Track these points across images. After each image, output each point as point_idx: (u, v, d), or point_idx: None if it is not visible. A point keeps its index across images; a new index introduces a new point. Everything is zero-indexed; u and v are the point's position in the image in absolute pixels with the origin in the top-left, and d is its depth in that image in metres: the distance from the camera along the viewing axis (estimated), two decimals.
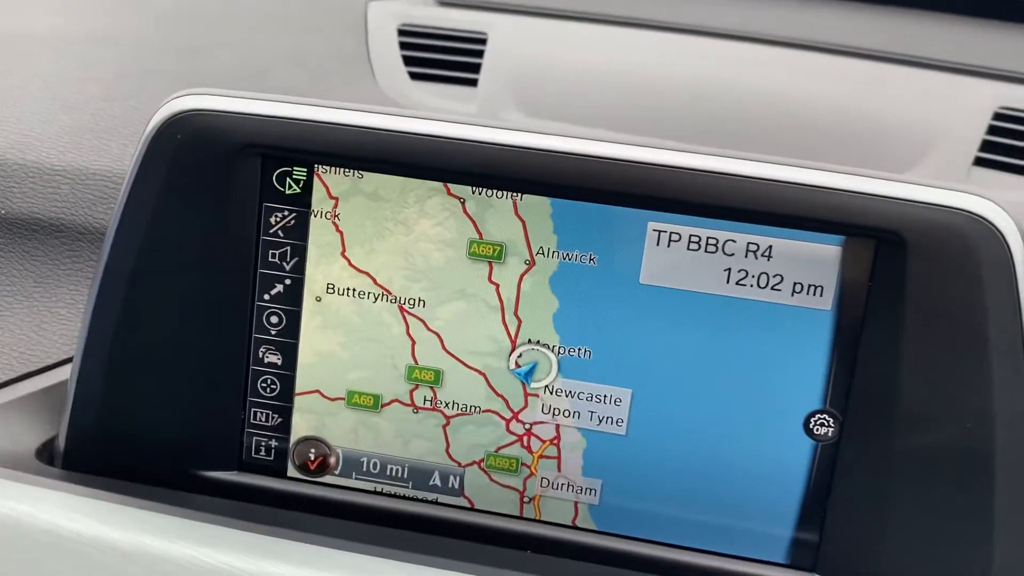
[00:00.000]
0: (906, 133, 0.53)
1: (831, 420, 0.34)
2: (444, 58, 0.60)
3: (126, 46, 0.59)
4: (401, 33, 0.63)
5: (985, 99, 0.56)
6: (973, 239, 0.32)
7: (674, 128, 0.54)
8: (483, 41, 0.62)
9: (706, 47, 0.62)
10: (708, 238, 0.34)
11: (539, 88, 0.58)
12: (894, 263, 0.32)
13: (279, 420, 0.37)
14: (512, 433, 0.36)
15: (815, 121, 0.54)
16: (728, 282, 0.34)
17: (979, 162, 0.51)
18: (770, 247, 0.33)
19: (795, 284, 0.33)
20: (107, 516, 0.34)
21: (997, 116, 0.55)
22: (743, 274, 0.34)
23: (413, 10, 0.67)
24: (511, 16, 0.66)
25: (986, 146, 0.52)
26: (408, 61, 0.61)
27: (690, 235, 0.34)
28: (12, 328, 0.43)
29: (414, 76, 0.59)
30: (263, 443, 0.37)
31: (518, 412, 0.36)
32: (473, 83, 0.58)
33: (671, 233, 0.34)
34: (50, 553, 0.33)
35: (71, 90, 0.53)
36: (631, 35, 0.63)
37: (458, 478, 0.36)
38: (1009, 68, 0.58)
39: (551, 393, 0.35)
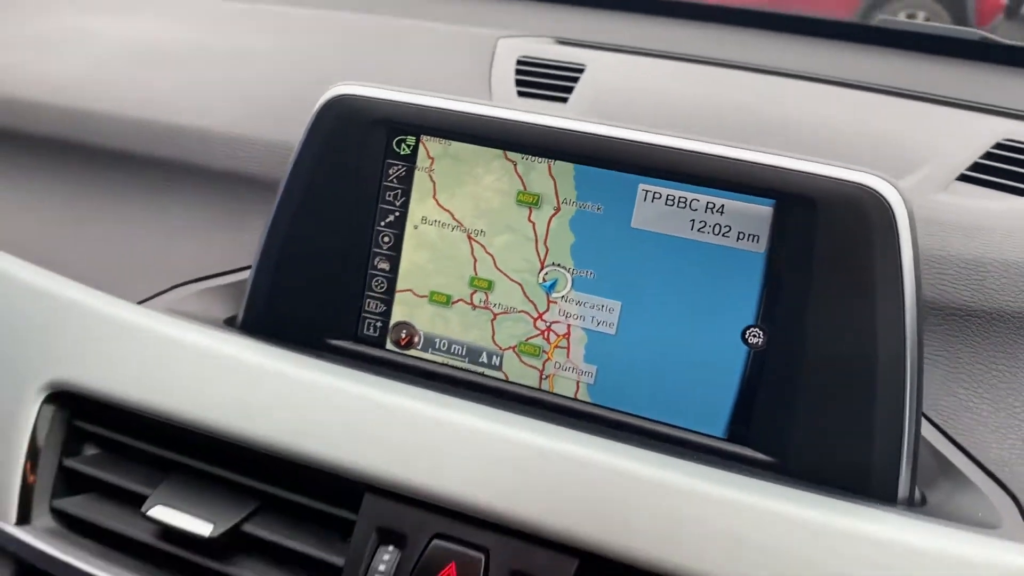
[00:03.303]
0: (905, 152, 0.64)
1: (761, 332, 0.47)
2: (547, 81, 0.77)
3: (278, 59, 0.79)
4: (519, 62, 0.80)
5: (988, 131, 0.66)
6: (866, 205, 0.44)
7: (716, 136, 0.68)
8: (581, 70, 0.78)
9: (746, 79, 0.76)
10: (680, 197, 0.48)
11: (613, 104, 0.74)
12: (809, 220, 0.45)
13: (383, 308, 0.54)
14: (537, 328, 0.51)
15: (825, 138, 0.66)
16: (692, 229, 0.48)
17: (963, 178, 0.61)
18: (723, 205, 0.47)
19: (739, 232, 0.47)
20: (268, 353, 0.51)
21: (998, 146, 0.65)
22: (703, 224, 0.48)
23: (533, 45, 0.84)
24: (608, 53, 0.83)
25: (976, 167, 0.62)
26: (519, 83, 0.78)
27: (667, 194, 0.48)
28: (213, 245, 0.62)
29: (521, 94, 0.76)
30: (371, 323, 0.54)
31: (542, 314, 0.51)
32: (564, 100, 0.75)
33: (654, 192, 0.48)
34: (230, 370, 0.51)
35: (239, 85, 0.73)
36: (690, 68, 0.78)
37: (499, 358, 0.52)
38: (1017, 107, 0.68)
39: (565, 301, 0.50)
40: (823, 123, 0.68)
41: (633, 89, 0.75)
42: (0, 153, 0.70)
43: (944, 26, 0.87)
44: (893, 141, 0.65)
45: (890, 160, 0.63)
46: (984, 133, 0.66)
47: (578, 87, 0.76)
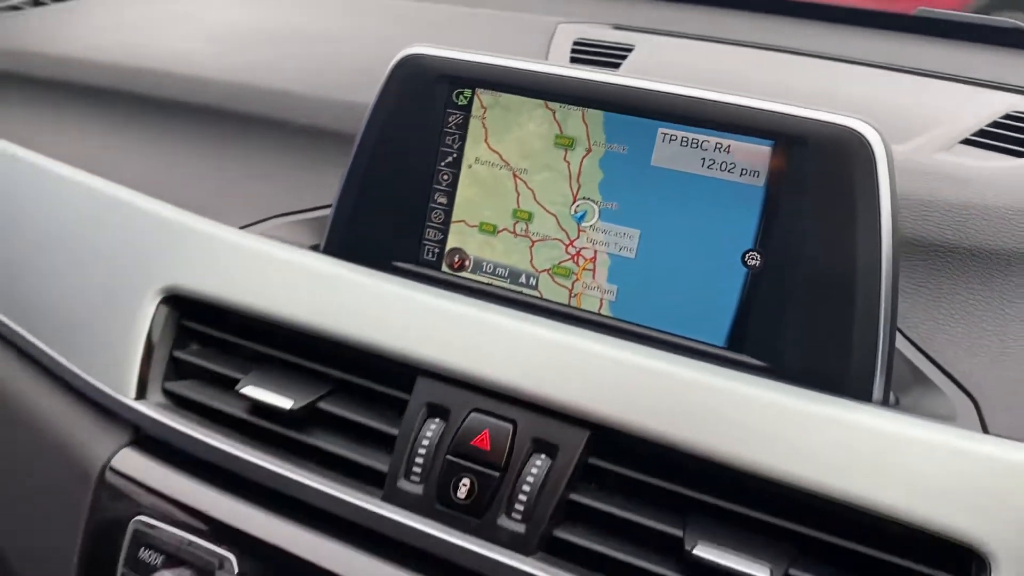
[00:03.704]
0: (919, 119, 0.70)
1: (758, 255, 0.55)
2: (598, 59, 0.86)
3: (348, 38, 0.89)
4: (575, 43, 0.89)
5: (1002, 104, 0.72)
6: (849, 143, 0.52)
7: None
8: (630, 49, 0.87)
9: (781, 58, 0.83)
10: (692, 138, 0.56)
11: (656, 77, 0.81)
12: (801, 157, 0.53)
13: (440, 236, 0.63)
14: (568, 253, 0.60)
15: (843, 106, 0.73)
16: (702, 166, 0.56)
17: (967, 142, 0.67)
18: (729, 145, 0.55)
19: (742, 169, 0.55)
20: (345, 267, 0.61)
21: (1006, 116, 0.71)
22: (712, 161, 0.55)
23: (590, 29, 0.93)
24: (657, 36, 0.91)
25: (981, 133, 0.68)
26: (573, 60, 0.86)
27: (682, 136, 0.56)
28: (301, 187, 0.73)
29: None
30: (430, 249, 0.63)
31: (573, 240, 0.59)
32: None
33: (671, 135, 0.56)
34: (314, 279, 0.61)
35: (320, 58, 0.83)
36: (729, 49, 0.86)
37: (535, 279, 0.61)
38: None
39: (593, 230, 0.59)
40: (847, 96, 0.75)
41: (675, 65, 0.83)
42: (130, 112, 0.82)
43: (980, 16, 0.92)
44: (910, 111, 0.72)
45: (903, 124, 0.69)
46: (996, 105, 0.72)
47: (624, 64, 0.84)
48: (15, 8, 1.03)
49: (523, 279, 0.61)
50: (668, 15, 1.03)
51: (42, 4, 1.05)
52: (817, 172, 0.52)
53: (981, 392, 0.51)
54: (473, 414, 0.53)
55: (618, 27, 0.96)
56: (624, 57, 0.85)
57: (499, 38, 0.92)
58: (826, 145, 0.52)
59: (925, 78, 0.78)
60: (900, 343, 0.56)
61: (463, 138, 0.62)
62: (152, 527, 0.56)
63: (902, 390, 0.53)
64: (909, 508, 0.45)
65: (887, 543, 0.46)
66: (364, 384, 0.57)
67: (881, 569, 0.46)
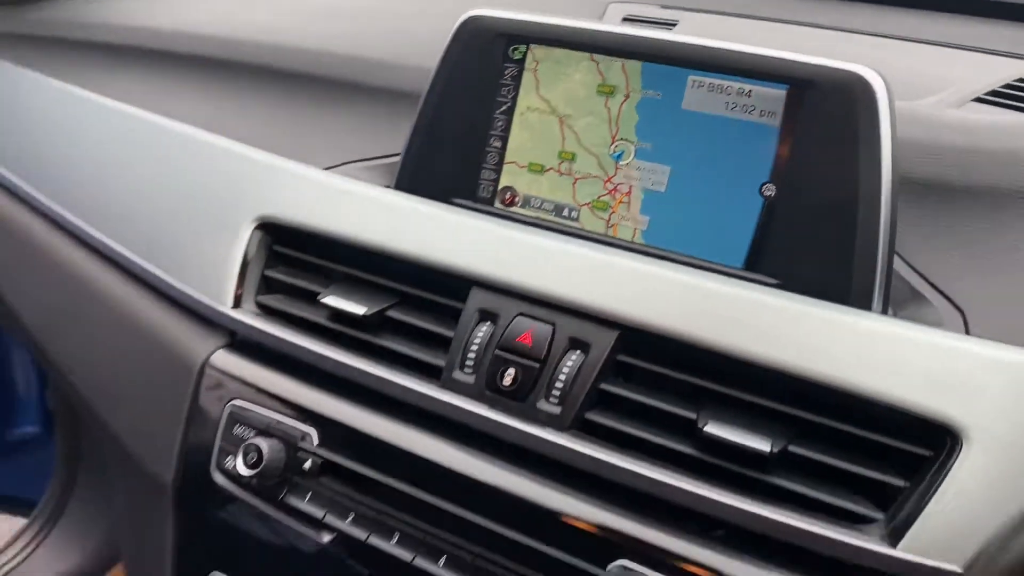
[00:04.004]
0: (935, 81, 0.77)
1: (773, 187, 0.62)
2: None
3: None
4: (623, 19, 0.98)
5: (1011, 69, 0.78)
6: (854, 86, 0.59)
7: None
8: (675, 24, 0.95)
9: (810, 32, 0.90)
10: (718, 84, 0.63)
11: None
12: (812, 99, 0.60)
13: (494, 176, 0.72)
14: (606, 189, 0.68)
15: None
16: (727, 109, 0.63)
17: (979, 100, 0.73)
18: (751, 90, 0.62)
19: (761, 111, 0.62)
20: (412, 200, 0.70)
21: (1020, 79, 0.76)
22: (735, 104, 0.63)
23: (638, 8, 1.01)
24: (701, 13, 0.98)
25: (994, 93, 0.74)
26: None
27: (709, 83, 0.64)
28: (375, 139, 0.82)
29: None
30: (485, 187, 0.72)
31: (611, 177, 0.68)
32: None
33: (700, 82, 0.64)
34: (386, 208, 0.70)
35: (390, 31, 0.93)
36: (764, 24, 0.93)
37: (576, 212, 0.69)
38: None
39: (629, 168, 0.67)
40: (868, 61, 0.81)
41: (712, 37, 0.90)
42: (222, 77, 0.93)
43: None
44: (926, 74, 0.78)
45: (918, 85, 0.76)
46: (1009, 70, 0.78)
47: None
48: None
49: (566, 212, 0.69)
50: None
51: None
52: (826, 112, 0.60)
53: (968, 306, 0.58)
54: (518, 317, 0.61)
55: (665, 6, 1.04)
56: (668, 29, 0.93)
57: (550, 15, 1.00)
58: (834, 88, 0.59)
59: (941, 47, 0.84)
60: (901, 267, 0.62)
61: (517, 88, 0.71)
62: (245, 409, 0.66)
63: (899, 306, 0.60)
64: (893, 392, 0.52)
65: (875, 426, 0.53)
66: (426, 296, 0.66)
67: (869, 447, 0.53)
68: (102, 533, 1.59)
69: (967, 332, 0.56)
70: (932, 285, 0.60)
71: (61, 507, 1.60)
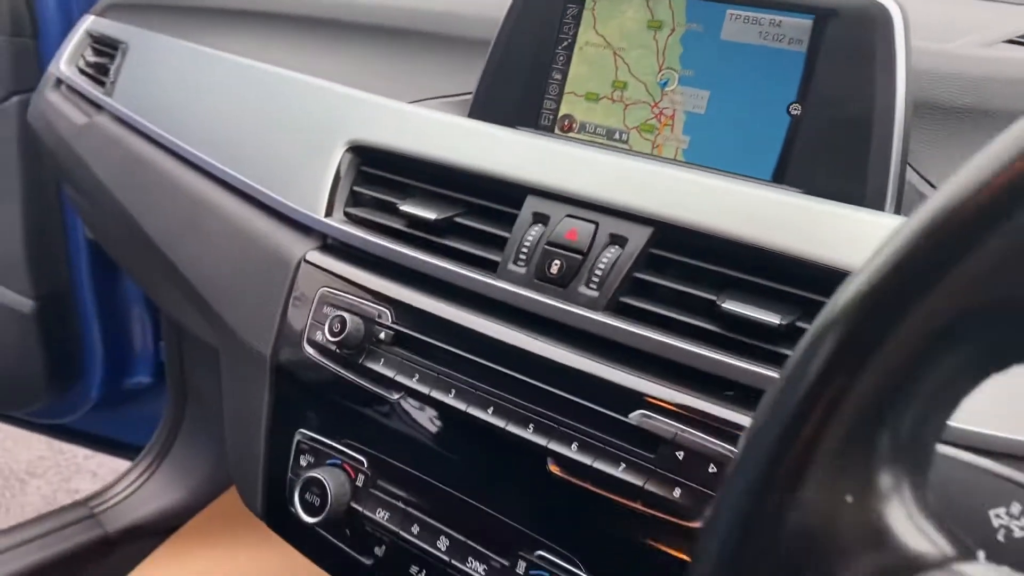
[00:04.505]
0: (967, 22, 0.82)
1: (800, 106, 0.69)
2: None
3: None
4: None
5: None
6: (873, 12, 0.65)
7: None
8: None
9: None
10: (753, 16, 0.71)
11: None
12: (835, 27, 0.67)
13: (554, 105, 0.81)
14: (653, 113, 0.76)
15: None
16: (760, 38, 0.71)
17: (1009, 41, 0.78)
18: (781, 21, 0.70)
19: (789, 39, 0.69)
20: (483, 124, 0.80)
21: None
22: (768, 34, 0.70)
23: None
24: None
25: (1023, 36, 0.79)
26: None
27: (744, 15, 0.71)
28: (454, 80, 0.92)
29: None
30: (546, 115, 0.81)
31: (657, 102, 0.76)
32: None
33: (736, 15, 0.72)
34: (461, 132, 0.80)
35: None
36: None
37: (626, 134, 0.77)
38: None
39: (673, 93, 0.75)
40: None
41: None
42: (326, 33, 1.05)
43: None
44: (964, 19, 0.83)
45: (951, 29, 0.81)
46: None
47: None
48: None
49: (617, 135, 0.78)
50: None
51: None
52: (847, 37, 0.66)
53: None
54: (566, 218, 0.70)
55: None
56: None
57: None
58: (854, 16, 0.66)
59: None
60: (918, 182, 0.68)
61: (576, 26, 0.80)
62: (333, 293, 0.77)
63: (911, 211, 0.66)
64: None
65: None
66: (488, 204, 0.76)
67: None
68: (203, 472, 1.75)
69: None
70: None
71: (167, 448, 1.76)
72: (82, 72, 1.22)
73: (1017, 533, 0.40)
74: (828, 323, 0.30)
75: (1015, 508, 0.40)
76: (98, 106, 1.15)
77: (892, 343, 0.29)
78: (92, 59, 1.22)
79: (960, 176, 0.28)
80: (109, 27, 1.22)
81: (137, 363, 1.87)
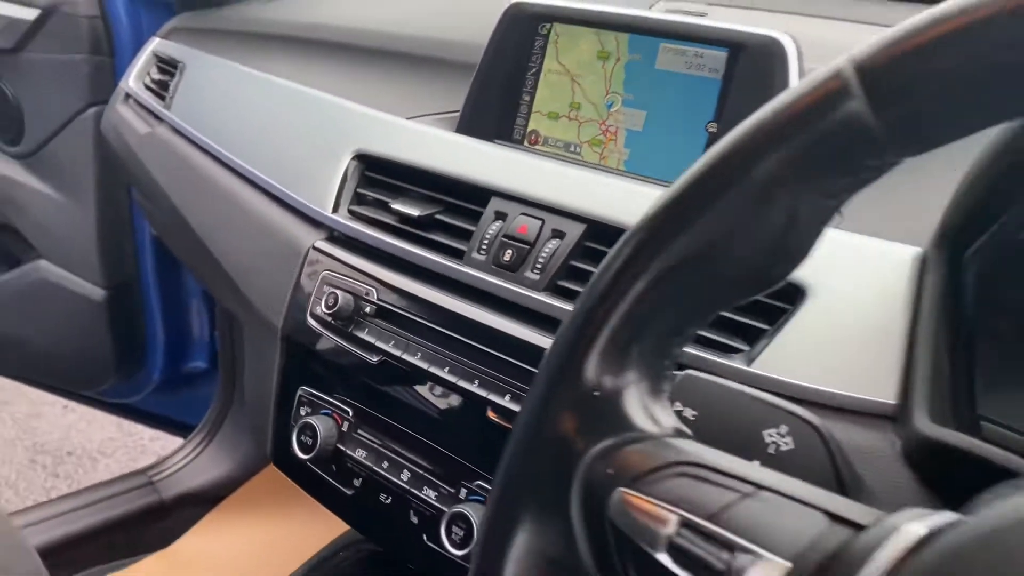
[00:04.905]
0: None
1: (716, 125, 0.82)
2: None
3: None
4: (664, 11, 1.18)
5: None
6: (771, 47, 0.78)
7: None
8: (704, 14, 1.15)
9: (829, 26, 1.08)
10: (681, 49, 0.85)
11: None
12: (743, 58, 0.80)
13: (523, 122, 0.95)
14: (600, 129, 0.90)
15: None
16: (686, 67, 0.84)
17: None
18: (703, 53, 0.83)
19: (709, 68, 0.83)
20: (465, 139, 0.95)
21: None
22: (691, 64, 0.84)
23: (682, 4, 1.22)
24: (733, 9, 1.18)
25: None
26: None
27: (675, 48, 0.85)
28: (445, 99, 1.08)
29: None
30: (518, 130, 0.96)
31: (604, 121, 0.90)
32: None
33: (668, 47, 0.85)
34: (445, 144, 0.95)
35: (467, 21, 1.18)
36: (777, 17, 1.11)
37: (579, 147, 0.91)
38: None
39: (617, 113, 0.89)
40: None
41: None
42: (341, 56, 1.22)
43: None
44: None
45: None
46: None
47: None
48: None
49: (572, 148, 0.92)
50: None
51: None
52: (753, 67, 0.80)
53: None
54: (520, 216, 0.85)
55: (711, 3, 1.24)
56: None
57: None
58: (759, 49, 0.79)
59: None
60: None
61: (543, 56, 0.94)
62: (333, 275, 0.93)
63: None
64: None
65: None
66: (461, 203, 0.91)
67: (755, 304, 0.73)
68: (249, 448, 1.93)
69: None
70: None
71: (217, 427, 1.95)
72: (147, 87, 1.41)
73: (783, 447, 0.53)
74: (603, 269, 0.44)
75: (783, 429, 0.53)
76: (159, 118, 1.34)
77: (638, 285, 0.43)
78: (156, 76, 1.40)
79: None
80: (171, 48, 1.41)
81: (194, 350, 2.05)
